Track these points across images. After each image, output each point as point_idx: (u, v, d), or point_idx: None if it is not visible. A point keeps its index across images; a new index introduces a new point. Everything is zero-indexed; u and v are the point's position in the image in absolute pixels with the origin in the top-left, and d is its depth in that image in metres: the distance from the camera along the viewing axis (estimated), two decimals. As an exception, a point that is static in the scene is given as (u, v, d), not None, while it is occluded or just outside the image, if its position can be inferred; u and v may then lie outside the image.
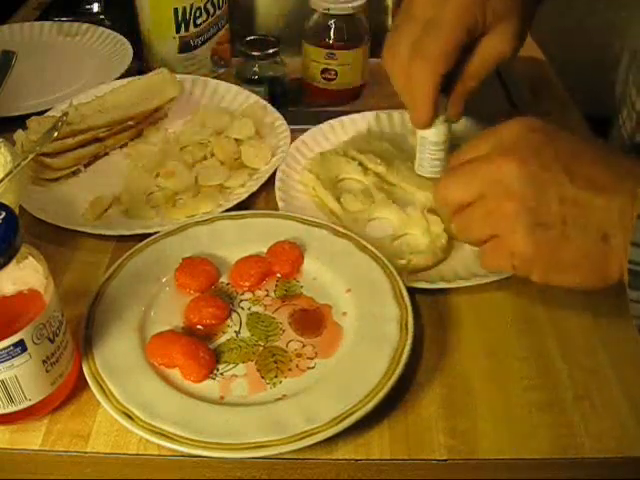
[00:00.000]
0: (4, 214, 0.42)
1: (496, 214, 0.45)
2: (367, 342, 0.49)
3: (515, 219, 0.44)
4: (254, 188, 0.65)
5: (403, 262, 0.56)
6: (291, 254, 0.56)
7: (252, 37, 0.83)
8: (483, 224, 0.46)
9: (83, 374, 0.47)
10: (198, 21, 0.82)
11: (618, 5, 1.40)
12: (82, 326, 0.50)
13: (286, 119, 0.73)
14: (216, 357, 0.50)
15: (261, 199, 0.66)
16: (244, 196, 0.64)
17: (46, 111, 0.74)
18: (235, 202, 0.63)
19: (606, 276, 0.44)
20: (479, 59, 0.54)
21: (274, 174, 0.66)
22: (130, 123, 0.71)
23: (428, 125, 0.56)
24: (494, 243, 0.46)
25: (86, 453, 0.45)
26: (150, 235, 0.58)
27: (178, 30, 0.82)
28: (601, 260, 0.43)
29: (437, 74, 0.53)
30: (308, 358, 0.50)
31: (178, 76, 0.77)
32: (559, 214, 0.43)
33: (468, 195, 0.46)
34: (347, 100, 0.84)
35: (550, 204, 0.43)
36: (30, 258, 0.44)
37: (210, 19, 0.83)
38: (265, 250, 0.57)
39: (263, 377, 0.48)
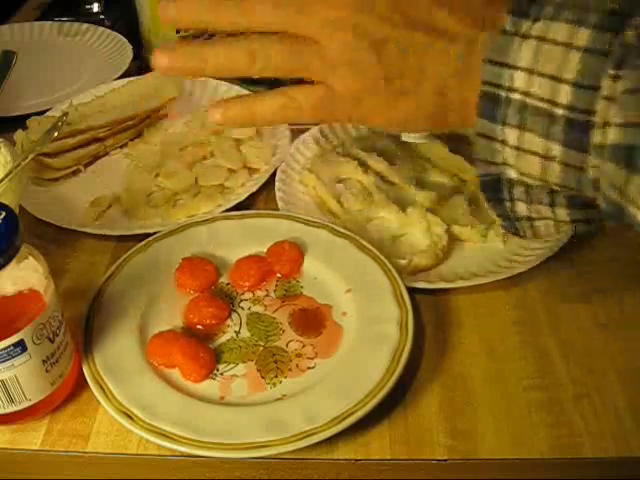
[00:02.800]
0: (4, 214, 0.42)
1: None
2: (367, 342, 0.49)
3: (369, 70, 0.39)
4: (254, 188, 0.65)
5: (403, 262, 0.56)
6: (291, 254, 0.56)
7: (252, 37, 0.83)
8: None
9: (83, 374, 0.47)
10: (198, 21, 0.82)
11: None
12: (82, 326, 0.50)
13: (286, 119, 0.73)
14: (216, 357, 0.50)
15: (261, 199, 0.65)
16: (244, 196, 0.64)
17: (46, 111, 0.74)
18: (235, 202, 0.63)
19: (443, 125, 0.41)
20: None
21: (274, 174, 0.66)
22: (130, 123, 0.71)
23: None
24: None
25: (86, 453, 0.45)
26: (150, 235, 0.58)
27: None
28: (438, 112, 0.40)
29: None
30: (308, 358, 0.50)
31: (178, 76, 0.77)
32: (398, 68, 0.39)
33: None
34: (347, 100, 0.84)
35: (390, 58, 0.39)
36: (30, 258, 0.44)
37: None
38: (265, 250, 0.57)
39: (263, 377, 0.48)
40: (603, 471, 0.46)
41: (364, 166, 0.67)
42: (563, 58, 0.34)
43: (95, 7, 0.99)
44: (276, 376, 0.48)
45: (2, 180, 0.52)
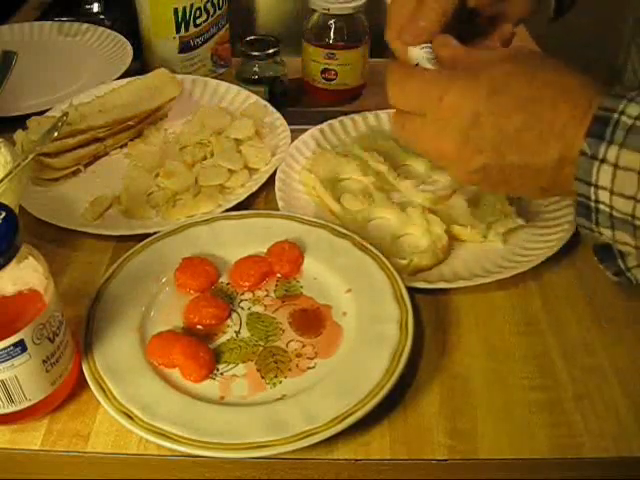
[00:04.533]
0: (4, 214, 0.42)
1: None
2: (367, 342, 0.49)
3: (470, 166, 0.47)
4: (254, 188, 0.65)
5: (403, 262, 0.56)
6: (291, 254, 0.56)
7: (252, 37, 0.83)
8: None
9: (83, 374, 0.47)
10: (198, 21, 0.82)
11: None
12: (82, 326, 0.50)
13: (286, 119, 0.73)
14: (216, 357, 0.50)
15: (261, 199, 0.66)
16: (244, 196, 0.64)
17: (46, 111, 0.74)
18: (235, 202, 0.63)
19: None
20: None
21: (274, 174, 0.66)
22: (130, 123, 0.71)
23: (422, 39, 0.53)
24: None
25: (86, 453, 0.45)
26: (150, 235, 0.58)
27: (178, 30, 0.82)
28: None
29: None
30: (308, 358, 0.50)
31: (178, 76, 0.77)
32: (502, 174, 0.46)
33: (415, 108, 0.48)
34: (347, 100, 0.84)
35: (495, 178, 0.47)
36: (30, 258, 0.44)
37: (210, 19, 0.83)
38: (265, 250, 0.57)
39: (263, 377, 0.48)
40: (603, 471, 0.46)
41: (364, 166, 0.67)
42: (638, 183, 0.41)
43: (95, 7, 0.99)
44: (276, 376, 0.48)
45: (2, 180, 0.52)
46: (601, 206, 0.43)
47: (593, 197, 0.43)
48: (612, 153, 0.41)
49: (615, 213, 0.43)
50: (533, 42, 0.92)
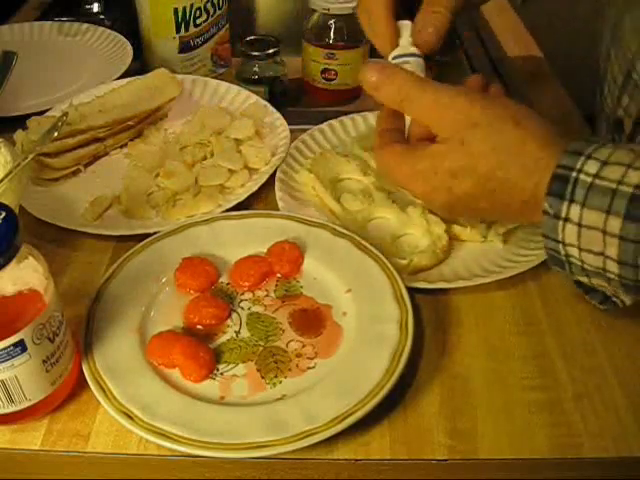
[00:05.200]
0: (4, 214, 0.42)
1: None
2: (367, 342, 0.49)
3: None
4: (254, 188, 0.65)
5: (403, 262, 0.56)
6: (291, 254, 0.56)
7: (252, 37, 0.83)
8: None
9: (83, 374, 0.47)
10: (198, 21, 0.82)
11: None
12: (82, 326, 0.50)
13: (286, 119, 0.73)
14: (216, 357, 0.50)
15: (261, 199, 0.66)
16: (244, 196, 0.64)
17: (46, 111, 0.74)
18: (235, 202, 0.63)
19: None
20: None
21: (274, 174, 0.66)
22: (130, 123, 0.71)
23: (389, 49, 0.55)
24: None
25: (86, 453, 0.45)
26: (150, 235, 0.58)
27: (178, 30, 0.82)
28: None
29: None
30: (308, 358, 0.50)
31: (178, 76, 0.77)
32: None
33: (410, 189, 0.52)
34: (347, 100, 0.84)
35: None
36: (30, 258, 0.44)
37: (210, 19, 0.83)
38: (265, 250, 0.57)
39: (263, 377, 0.48)
40: (603, 471, 0.46)
41: (364, 166, 0.67)
42: (603, 242, 0.43)
43: (95, 7, 0.99)
44: (276, 376, 0.48)
45: (2, 180, 0.52)
46: (572, 259, 0.44)
47: (563, 252, 0.45)
48: (574, 212, 0.42)
49: (587, 267, 0.44)
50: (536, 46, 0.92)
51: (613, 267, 0.43)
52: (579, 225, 0.42)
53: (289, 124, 0.72)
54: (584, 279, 0.47)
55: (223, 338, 0.51)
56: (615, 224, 0.41)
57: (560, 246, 0.45)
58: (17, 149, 0.64)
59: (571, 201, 0.42)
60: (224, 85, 0.79)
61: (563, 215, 0.43)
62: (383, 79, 0.50)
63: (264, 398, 0.47)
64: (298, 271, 0.56)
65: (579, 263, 0.45)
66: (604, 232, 0.42)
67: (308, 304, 0.54)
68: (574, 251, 0.44)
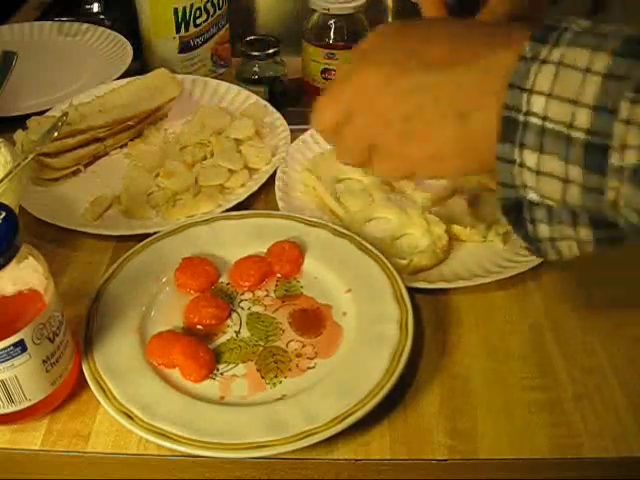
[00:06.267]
0: (4, 214, 0.42)
1: (365, 128, 0.44)
2: (367, 342, 0.49)
3: (383, 126, 0.43)
4: (254, 188, 0.65)
5: (403, 262, 0.56)
6: (291, 254, 0.56)
7: (252, 37, 0.83)
8: (357, 142, 0.46)
9: (83, 374, 0.47)
10: (198, 21, 0.82)
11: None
12: (82, 326, 0.50)
13: (286, 119, 0.73)
14: (216, 357, 0.50)
15: (261, 199, 0.66)
16: (244, 196, 0.64)
17: (46, 111, 0.74)
18: (235, 202, 0.63)
19: (482, 159, 0.41)
20: None
21: (274, 174, 0.66)
22: (130, 123, 0.71)
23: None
24: (377, 155, 0.45)
25: (86, 453, 0.45)
26: (150, 235, 0.58)
27: (178, 30, 0.82)
28: (468, 143, 0.41)
29: None
30: (308, 358, 0.50)
31: (178, 76, 0.77)
32: (417, 104, 0.42)
33: (338, 114, 0.46)
34: (347, 100, 0.84)
35: (410, 98, 0.42)
36: (30, 258, 0.44)
37: (210, 19, 0.83)
38: (265, 250, 0.57)
39: (263, 377, 0.48)
40: (603, 471, 0.46)
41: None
42: (582, 82, 0.35)
43: (95, 7, 0.99)
44: (276, 376, 0.48)
45: (2, 180, 0.52)
46: (532, 119, 0.37)
47: (525, 107, 0.37)
48: (557, 52, 0.36)
49: (548, 124, 0.36)
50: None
51: (583, 117, 0.35)
52: (559, 64, 0.36)
53: (289, 124, 0.72)
54: (532, 156, 0.37)
55: (223, 338, 0.51)
56: (602, 61, 0.35)
57: (524, 96, 0.36)
58: (17, 149, 0.64)
59: (555, 45, 0.36)
60: (224, 85, 0.79)
61: (542, 56, 0.36)
62: None
63: (264, 398, 0.47)
64: (298, 271, 0.56)
65: (538, 121, 0.37)
66: (587, 71, 0.35)
67: (308, 304, 0.54)
68: (540, 101, 0.36)
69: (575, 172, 0.36)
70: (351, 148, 0.47)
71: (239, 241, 0.58)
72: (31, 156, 0.57)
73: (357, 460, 0.45)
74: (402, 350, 0.48)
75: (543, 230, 0.41)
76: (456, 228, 0.60)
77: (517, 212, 0.41)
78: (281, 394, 0.47)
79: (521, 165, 0.38)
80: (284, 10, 1.11)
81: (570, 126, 0.35)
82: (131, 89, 0.74)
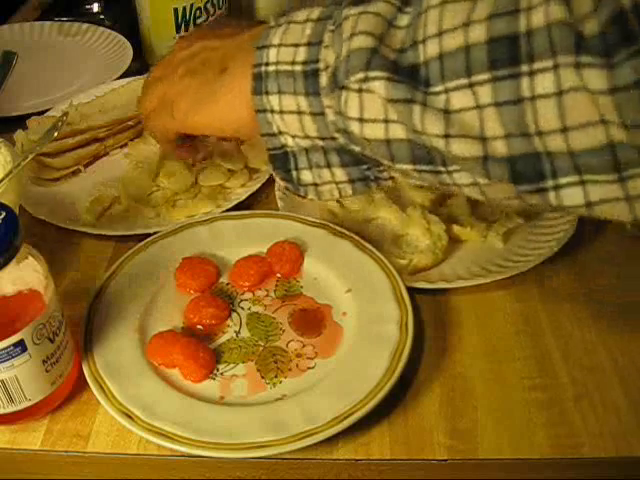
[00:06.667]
0: (4, 214, 0.42)
1: (167, 88, 0.52)
2: (367, 342, 0.49)
3: (179, 82, 0.51)
4: (254, 188, 0.65)
5: (403, 262, 0.56)
6: (291, 254, 0.56)
7: (252, 37, 0.83)
8: (162, 105, 0.52)
9: (83, 374, 0.47)
10: (198, 21, 0.82)
11: None
12: (82, 326, 0.50)
13: (286, 119, 0.73)
14: (216, 357, 0.50)
15: (261, 199, 0.66)
16: (244, 196, 0.64)
17: (46, 111, 0.74)
18: (235, 202, 0.63)
19: (239, 116, 0.47)
20: None
21: (274, 174, 0.66)
22: (130, 123, 0.71)
23: None
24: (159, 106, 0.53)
25: (86, 453, 0.45)
26: (150, 235, 0.58)
27: (178, 30, 0.82)
28: (225, 92, 0.47)
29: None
30: (308, 358, 0.50)
31: (178, 76, 0.77)
32: (200, 61, 0.50)
33: (152, 99, 0.53)
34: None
35: (195, 57, 0.51)
36: (30, 258, 0.44)
37: (210, 19, 0.83)
38: (265, 250, 0.57)
39: (263, 377, 0.48)
40: (603, 471, 0.46)
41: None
42: (302, 30, 0.43)
43: (95, 7, 0.99)
44: (276, 376, 0.48)
45: (2, 180, 0.52)
46: (270, 67, 0.43)
47: (264, 60, 0.44)
48: (287, 18, 0.45)
49: (280, 67, 0.43)
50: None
51: (301, 54, 0.43)
52: (288, 22, 0.44)
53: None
54: (275, 99, 0.44)
55: (223, 338, 0.51)
56: (315, 12, 0.43)
57: (264, 51, 0.44)
58: (17, 149, 0.64)
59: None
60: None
61: (279, 22, 0.45)
62: None
63: (264, 398, 0.47)
64: (298, 271, 0.56)
65: (273, 67, 0.43)
66: (306, 21, 0.43)
67: (308, 304, 0.54)
68: (273, 51, 0.43)
69: (303, 101, 0.42)
70: (155, 120, 0.53)
71: (239, 241, 0.58)
72: (31, 156, 0.57)
73: (357, 460, 0.45)
74: (402, 350, 0.48)
75: (306, 177, 0.46)
76: (456, 228, 0.60)
77: (284, 162, 0.46)
78: (281, 394, 0.47)
79: (272, 111, 0.44)
80: (284, 10, 1.10)
81: (293, 63, 0.42)
82: (131, 89, 0.74)
